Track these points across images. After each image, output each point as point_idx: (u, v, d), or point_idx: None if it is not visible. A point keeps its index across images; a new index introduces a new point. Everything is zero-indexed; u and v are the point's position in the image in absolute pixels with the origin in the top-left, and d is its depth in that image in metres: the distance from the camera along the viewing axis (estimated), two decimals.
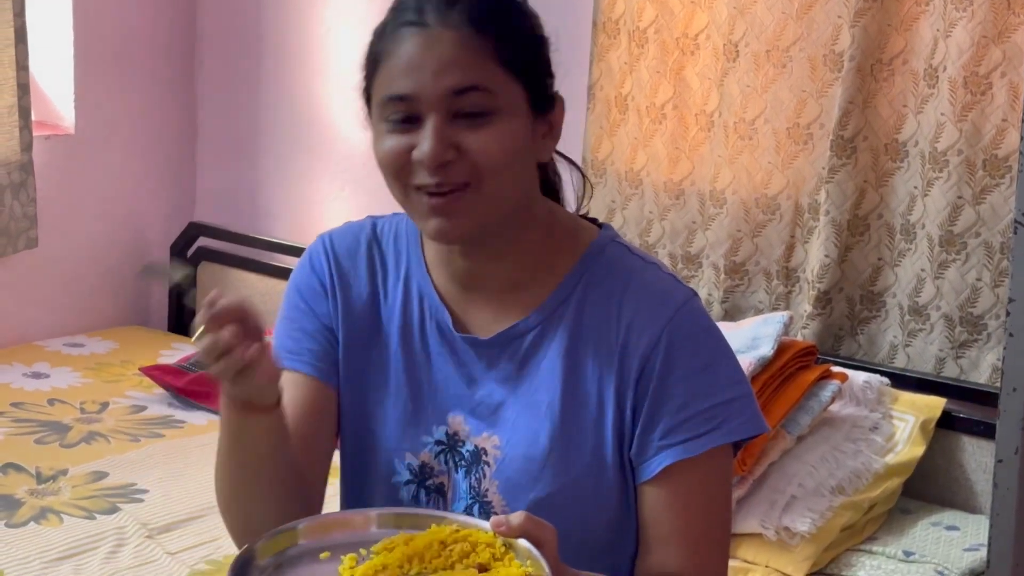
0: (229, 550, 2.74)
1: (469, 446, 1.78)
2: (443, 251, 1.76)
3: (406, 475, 1.81)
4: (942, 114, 3.03)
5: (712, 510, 1.74)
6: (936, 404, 3.01)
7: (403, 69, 1.64)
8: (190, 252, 4.12)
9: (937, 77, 3.03)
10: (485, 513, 1.73)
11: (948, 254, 3.05)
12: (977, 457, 3.01)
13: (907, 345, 3.11)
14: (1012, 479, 2.32)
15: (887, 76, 3.10)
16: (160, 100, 4.12)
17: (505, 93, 1.64)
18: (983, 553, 2.67)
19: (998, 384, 2.75)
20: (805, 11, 3.15)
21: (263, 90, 4.05)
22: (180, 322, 4.13)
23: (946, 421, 3.02)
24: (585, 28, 3.46)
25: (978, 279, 3.04)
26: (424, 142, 1.61)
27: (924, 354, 3.10)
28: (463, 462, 1.79)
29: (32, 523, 2.83)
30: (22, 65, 3.71)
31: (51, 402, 3.49)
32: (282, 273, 3.92)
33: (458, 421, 1.79)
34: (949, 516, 2.96)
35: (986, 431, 2.95)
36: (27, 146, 3.75)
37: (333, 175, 3.93)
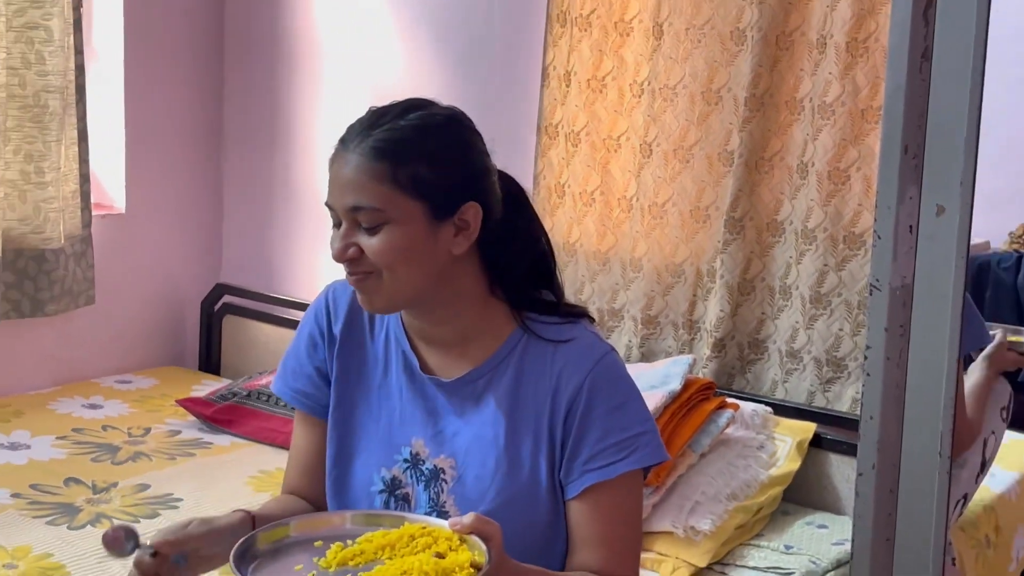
0: None
1: (429, 465, 1.82)
2: (408, 313, 1.83)
3: (380, 485, 1.84)
4: (811, 200, 3.05)
5: (625, 520, 1.78)
6: (808, 428, 3.03)
7: (329, 182, 1.72)
8: (216, 307, 4.10)
9: (807, 171, 3.06)
10: (444, 519, 1.72)
11: (816, 310, 3.07)
12: (841, 470, 3.03)
13: (785, 381, 3.13)
14: (869, 488, 2.32)
15: (768, 169, 3.12)
16: (192, 186, 4.13)
17: (396, 208, 1.68)
18: (847, 546, 2.67)
19: (858, 412, 2.77)
20: (704, 118, 3.18)
21: (276, 175, 4.07)
22: (208, 363, 4.11)
23: (816, 442, 3.04)
24: (531, 132, 3.47)
25: (840, 329, 3.05)
26: (334, 242, 1.71)
27: (798, 388, 3.11)
28: (423, 478, 1.82)
29: (88, 526, 2.79)
30: (84, 159, 3.70)
31: (104, 428, 3.45)
32: (292, 324, 3.91)
33: (420, 444, 1.82)
34: (820, 517, 2.97)
35: (848, 449, 2.97)
36: (87, 223, 3.74)
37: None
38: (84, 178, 3.71)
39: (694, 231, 3.23)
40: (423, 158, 1.69)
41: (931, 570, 2.35)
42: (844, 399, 3.06)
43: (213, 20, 4.08)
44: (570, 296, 3.39)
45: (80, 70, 3.68)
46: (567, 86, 3.37)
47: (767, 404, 3.08)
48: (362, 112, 3.72)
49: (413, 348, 1.84)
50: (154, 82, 3.96)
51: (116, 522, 2.77)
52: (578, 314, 1.86)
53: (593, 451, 1.75)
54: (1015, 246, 3.89)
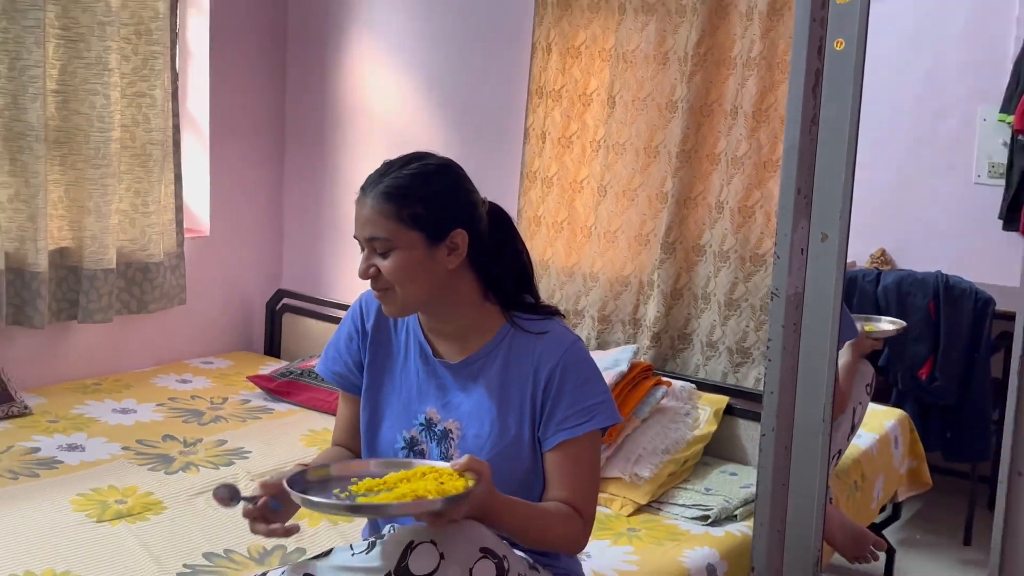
0: None
1: (440, 427, 1.85)
2: (421, 313, 1.87)
3: (402, 443, 1.87)
4: (726, 229, 3.04)
5: (587, 467, 1.81)
6: (723, 400, 3.01)
7: (355, 218, 1.79)
8: (277, 307, 4.06)
9: (723, 207, 3.05)
10: None
11: (729, 312, 3.06)
12: (747, 431, 3.01)
13: (705, 365, 3.12)
14: (771, 445, 2.32)
15: (693, 207, 3.11)
16: (259, 215, 4.11)
17: (400, 238, 1.73)
18: (752, 489, 2.66)
19: (760, 388, 2.76)
20: (646, 167, 3.16)
21: (323, 206, 4.04)
22: (271, 349, 4.06)
23: (729, 410, 3.02)
24: (515, 177, 3.45)
25: (747, 326, 3.04)
26: (360, 264, 1.79)
27: (715, 370, 3.10)
28: (435, 437, 1.85)
29: (180, 472, 2.76)
30: (178, 195, 3.68)
31: (192, 397, 3.42)
32: (335, 320, 3.89)
33: (433, 411, 1.86)
34: (731, 467, 2.95)
35: (753, 416, 2.96)
36: (180, 243, 3.71)
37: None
38: (178, 209, 3.68)
39: (637, 252, 3.21)
40: (419, 200, 1.74)
41: (815, 507, 2.35)
42: (749, 379, 3.04)
43: (277, 87, 4.06)
44: (544, 300, 3.38)
45: (176, 129, 3.65)
46: (543, 143, 3.35)
47: (692, 382, 3.06)
48: (384, 152, 3.71)
49: (426, 339, 1.88)
50: (231, 138, 3.93)
51: (219, 483, 2.75)
52: (553, 312, 1.89)
53: (564, 415, 1.78)
54: (874, 264, 3.91)
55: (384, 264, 1.75)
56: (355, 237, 1.78)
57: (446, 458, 1.81)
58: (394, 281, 1.75)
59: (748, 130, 2.97)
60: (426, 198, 1.75)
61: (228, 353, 3.99)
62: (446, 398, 1.86)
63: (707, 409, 2.97)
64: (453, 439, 1.84)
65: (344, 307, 3.87)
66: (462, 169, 1.85)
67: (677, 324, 3.16)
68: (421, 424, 1.87)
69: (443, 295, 1.80)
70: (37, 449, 2.85)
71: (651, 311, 3.15)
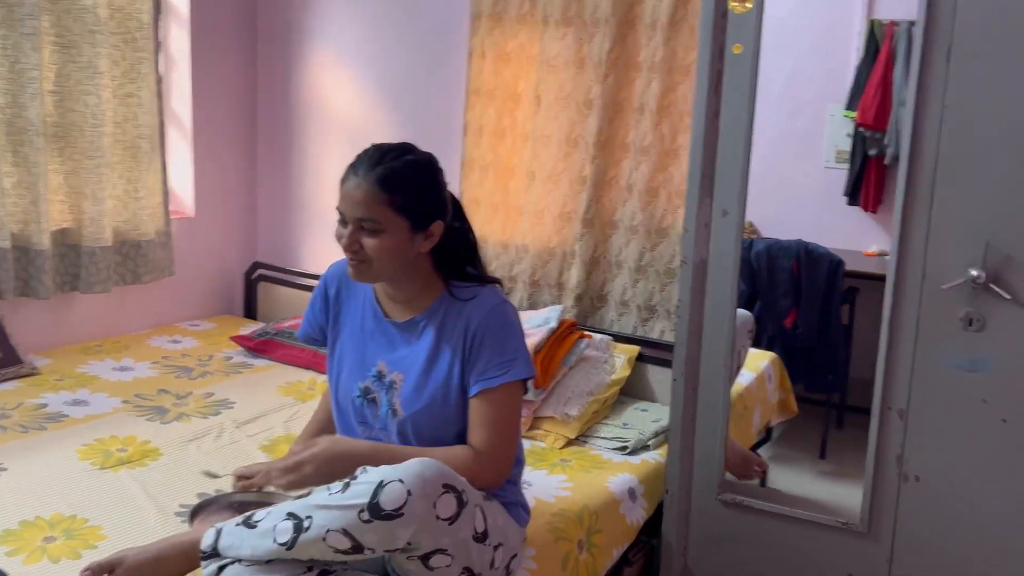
0: (277, 434, 2.52)
1: (388, 379, 1.75)
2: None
3: (357, 392, 1.77)
4: (635, 207, 2.92)
5: (503, 414, 1.67)
6: (634, 350, 2.90)
7: (342, 197, 1.62)
8: (253, 276, 3.84)
9: (632, 189, 2.93)
10: (394, 413, 1.73)
11: (638, 276, 2.95)
12: (654, 374, 2.91)
13: (618, 320, 3.01)
14: (680, 388, 2.22)
15: (606, 189, 2.98)
16: (236, 198, 3.84)
17: (388, 222, 1.60)
18: (662, 422, 2.58)
19: (664, 339, 2.66)
20: (568, 155, 3.03)
21: (292, 190, 3.80)
22: (249, 313, 3.85)
23: (640, 358, 2.92)
24: (457, 165, 3.29)
25: (652, 288, 2.94)
26: (344, 238, 1.64)
27: (627, 325, 3.00)
28: (384, 387, 1.75)
29: (174, 422, 2.56)
30: (164, 182, 3.43)
31: (183, 356, 3.20)
32: (305, 288, 3.69)
33: (383, 365, 1.75)
34: (642, 404, 2.84)
35: (659, 362, 2.87)
36: (168, 223, 3.47)
37: (329, 232, 3.71)
38: (165, 194, 3.43)
39: (561, 227, 3.08)
40: (411, 191, 1.62)
41: (719, 439, 2.27)
42: (655, 331, 2.95)
43: (249, 88, 3.81)
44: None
45: (162, 125, 3.40)
46: (480, 136, 3.19)
47: (609, 335, 2.95)
48: (342, 143, 3.43)
49: (378, 302, 1.78)
50: (211, 132, 3.68)
51: (193, 418, 2.55)
52: (491, 281, 1.77)
53: (483, 368, 1.67)
54: (748, 235, 3.85)
55: (369, 242, 1.63)
56: (339, 210, 1.64)
57: (391, 406, 1.74)
58: (374, 257, 1.64)
59: (653, 124, 2.85)
60: (417, 190, 1.63)
61: (212, 316, 3.76)
62: (393, 353, 1.76)
63: (622, 357, 2.86)
64: (397, 389, 1.74)
65: (310, 276, 3.68)
66: (440, 166, 1.74)
67: (595, 287, 3.05)
68: (373, 376, 1.77)
69: (405, 270, 1.70)
70: (45, 405, 2.62)
71: (573, 276, 3.03)
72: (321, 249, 3.71)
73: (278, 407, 2.74)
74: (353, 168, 1.63)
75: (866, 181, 3.59)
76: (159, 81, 3.36)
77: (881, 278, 2.00)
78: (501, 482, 1.66)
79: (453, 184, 3.35)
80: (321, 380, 3.02)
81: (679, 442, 2.25)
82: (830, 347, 3.40)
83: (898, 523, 2.03)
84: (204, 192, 3.69)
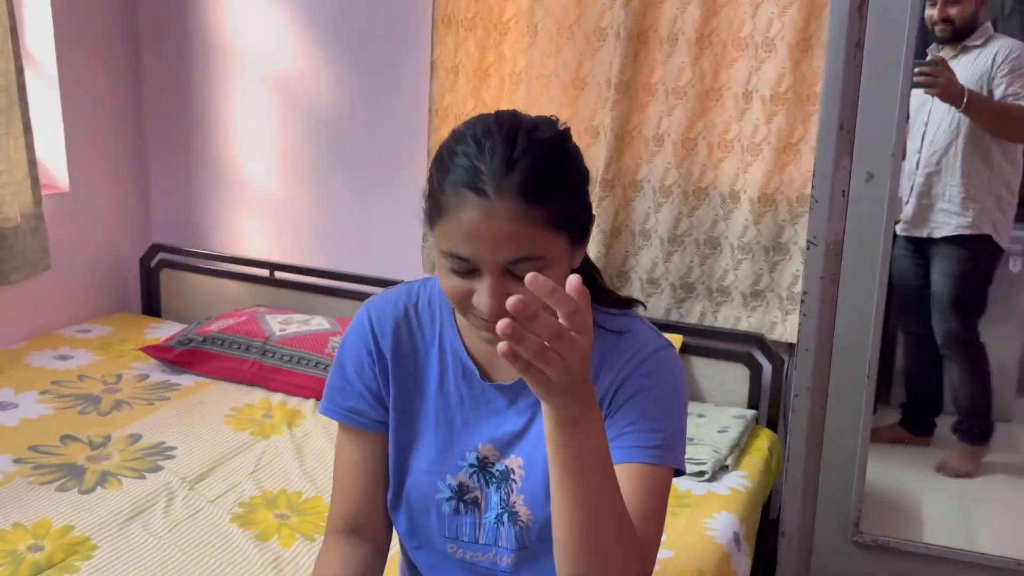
0: (252, 492, 1.92)
1: (500, 466, 1.14)
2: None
3: (447, 492, 1.16)
4: (668, 162, 2.42)
5: (663, 505, 1.07)
6: (676, 340, 2.42)
7: (464, 235, 0.95)
8: (153, 263, 3.11)
9: (663, 140, 2.41)
10: (513, 520, 1.13)
11: (672, 248, 2.46)
12: (704, 370, 2.44)
13: (645, 301, 2.52)
14: (805, 405, 1.75)
15: (630, 140, 2.45)
16: (122, 163, 3.09)
17: (552, 250, 0.97)
18: (732, 432, 2.11)
19: (717, 324, 2.20)
20: (574, 99, 2.47)
21: (194, 149, 3.08)
22: (150, 309, 3.13)
23: (682, 349, 2.44)
24: (422, 113, 2.68)
25: (690, 262, 2.46)
26: (483, 296, 0.97)
27: (657, 307, 2.51)
28: (494, 479, 1.15)
29: (99, 488, 1.90)
30: (30, 148, 2.66)
31: (80, 378, 2.49)
32: (221, 274, 3.00)
33: (488, 448, 1.14)
34: (694, 408, 2.35)
35: (708, 353, 2.40)
36: (38, 202, 2.71)
37: (248, 205, 3.02)
38: (32, 164, 2.66)
39: None
40: (567, 191, 0.99)
41: (856, 470, 1.83)
42: (693, 313, 2.47)
43: (129, 21, 3.03)
44: None
45: (20, 72, 2.60)
46: (455, 76, 2.58)
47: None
48: (262, 91, 2.69)
49: (470, 356, 1.15)
50: (83, 78, 2.89)
51: (124, 480, 1.89)
52: (630, 303, 1.16)
53: (639, 431, 1.05)
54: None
55: (525, 292, 0.97)
56: (457, 256, 0.97)
57: (507, 505, 1.13)
58: None
59: (691, 57, 2.33)
60: (572, 189, 1.01)
61: (104, 317, 3.02)
62: (503, 428, 1.14)
63: None
64: (515, 481, 1.13)
65: (225, 258, 2.99)
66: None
67: (615, 262, 2.53)
68: (471, 466, 1.15)
69: None
70: None
71: (591, 251, 2.50)
72: (237, 222, 3.02)
73: (235, 449, 2.11)
74: (476, 190, 0.95)
75: None
76: (11, 12, 2.57)
77: None
78: None
79: (418, 138, 2.78)
80: (277, 402, 2.39)
81: (800, 474, 1.79)
82: None
83: None
84: (80, 159, 2.92)
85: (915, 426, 2.70)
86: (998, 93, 2.27)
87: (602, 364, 1.07)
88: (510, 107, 2.51)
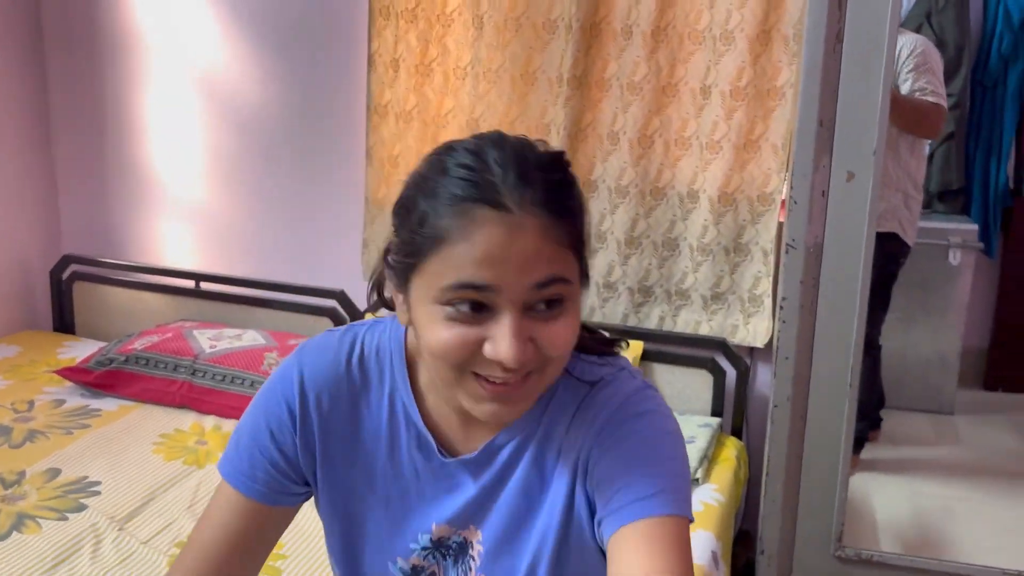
0: (190, 529, 1.77)
1: (457, 538, 0.96)
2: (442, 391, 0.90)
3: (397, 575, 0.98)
4: (624, 161, 2.34)
5: (686, 561, 0.86)
6: (637, 346, 2.35)
7: (482, 259, 0.78)
8: (65, 275, 2.91)
9: (618, 138, 2.34)
10: None
11: (630, 250, 2.39)
12: (667, 377, 2.38)
13: (601, 307, 2.44)
14: (785, 416, 1.70)
15: (584, 138, 2.37)
16: (27, 167, 2.88)
17: (574, 275, 0.83)
18: (699, 442, 2.05)
19: (676, 329, 2.13)
20: (522, 97, 2.38)
21: (107, 152, 2.88)
22: (62, 326, 2.92)
23: (644, 355, 2.37)
24: (359, 111, 2.55)
25: (648, 265, 2.39)
26: (503, 342, 0.79)
27: (614, 312, 2.43)
28: (451, 552, 0.97)
29: (15, 533, 1.72)
30: None
31: None
32: (140, 286, 2.82)
33: (443, 528, 0.96)
34: None
35: (670, 360, 2.34)
36: None
37: (170, 211, 2.84)
38: None
39: None
40: (581, 210, 0.84)
41: (838, 483, 1.78)
42: (652, 318, 2.41)
43: (31, 15, 2.81)
44: None
45: None
46: (395, 71, 2.46)
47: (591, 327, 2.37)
48: (180, 86, 2.53)
49: (427, 422, 0.95)
50: None
51: (43, 523, 1.72)
52: (612, 344, 0.98)
53: (632, 489, 0.86)
54: None
55: (547, 331, 0.81)
56: (480, 287, 0.79)
57: None
58: (556, 355, 0.83)
59: (647, 51, 2.26)
60: (583, 204, 0.86)
61: (11, 336, 2.80)
62: (462, 500, 0.97)
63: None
64: (473, 558, 0.97)
65: (143, 268, 2.81)
66: None
67: None
68: (424, 548, 0.98)
69: None
70: None
71: None
72: (158, 230, 2.84)
73: (167, 481, 1.95)
74: (486, 185, 0.80)
75: None
76: None
77: None
78: None
79: (356, 136, 2.64)
80: (211, 426, 2.23)
81: (781, 486, 1.73)
82: None
83: None
84: None
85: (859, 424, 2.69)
86: (904, 89, 2.26)
87: (573, 421, 0.91)
88: (456, 103, 2.41)
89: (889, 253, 2.37)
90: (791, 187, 1.60)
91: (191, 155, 2.77)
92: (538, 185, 0.80)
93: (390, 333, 0.96)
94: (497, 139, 0.83)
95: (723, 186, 2.26)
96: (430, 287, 0.80)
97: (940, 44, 2.74)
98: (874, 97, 1.55)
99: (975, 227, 2.77)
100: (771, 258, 2.25)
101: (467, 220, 0.78)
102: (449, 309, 0.79)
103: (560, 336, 0.81)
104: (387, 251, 0.87)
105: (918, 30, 2.71)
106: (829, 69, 1.56)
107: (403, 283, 0.83)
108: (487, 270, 0.78)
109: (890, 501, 2.46)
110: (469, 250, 0.78)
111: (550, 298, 0.80)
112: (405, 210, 0.83)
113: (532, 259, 0.78)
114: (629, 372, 0.94)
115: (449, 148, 0.83)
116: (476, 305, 0.79)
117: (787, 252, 1.63)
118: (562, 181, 0.82)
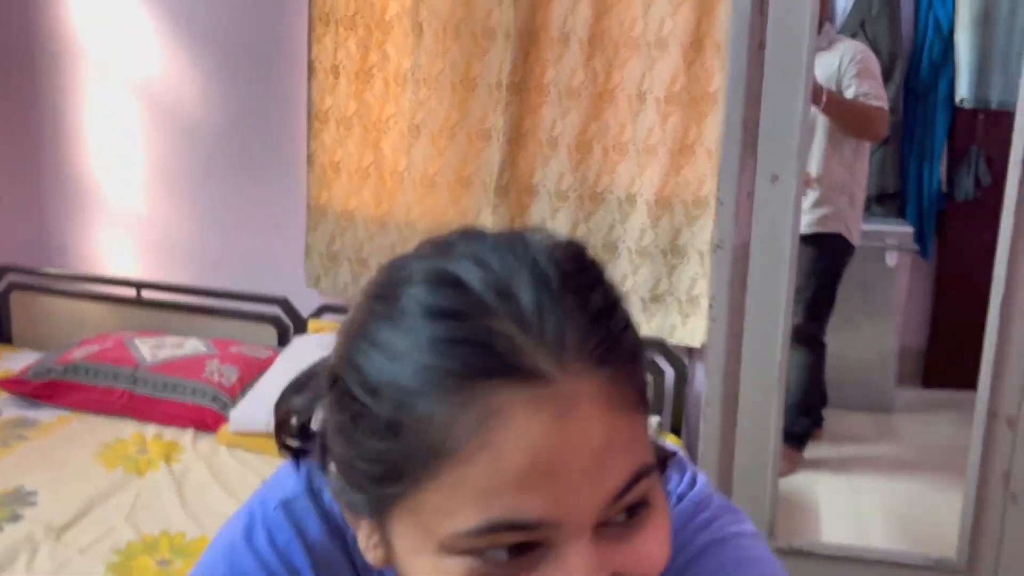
0: (129, 536, 1.77)
1: None
2: None
3: None
4: (563, 166, 2.39)
5: None
6: None
7: (524, 476, 0.45)
8: (1, 287, 2.87)
9: (557, 143, 2.38)
10: None
11: None
12: None
13: None
14: (716, 415, 1.75)
15: (524, 144, 2.41)
16: None
17: (651, 452, 0.51)
18: None
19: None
20: (463, 101, 2.41)
21: (44, 162, 2.86)
22: (0, 335, 2.89)
23: None
24: (300, 117, 2.56)
25: None
26: None
27: None
28: None
29: None
30: None
31: None
32: (80, 295, 2.80)
33: None
34: None
35: None
36: None
37: (108, 219, 2.83)
38: None
39: (459, 197, 2.47)
40: (632, 336, 0.53)
41: (768, 479, 1.83)
42: None
43: None
44: (351, 255, 2.57)
45: None
46: (335, 77, 2.48)
47: None
48: (120, 92, 2.53)
49: None
50: None
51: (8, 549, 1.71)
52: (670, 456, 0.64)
53: None
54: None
55: (631, 554, 0.49)
56: (531, 525, 0.47)
57: None
58: (651, 570, 0.51)
59: (583, 58, 2.31)
60: (628, 320, 0.54)
61: None
62: None
63: None
64: None
65: (83, 277, 2.79)
66: None
67: None
68: None
69: None
70: None
71: None
72: (97, 238, 2.83)
73: (107, 490, 1.95)
74: (499, 361, 0.47)
75: None
76: None
77: None
78: None
79: (298, 143, 2.66)
80: (152, 435, 2.23)
81: (715, 482, 1.78)
82: None
83: (1002, 554, 1.72)
84: None
85: (795, 426, 2.76)
86: (849, 94, 2.34)
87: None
88: (396, 109, 2.44)
89: (835, 253, 2.44)
90: (717, 189, 1.65)
91: (131, 163, 2.76)
92: (577, 316, 0.49)
93: (308, 521, 0.63)
94: (498, 244, 0.52)
95: (659, 190, 2.31)
96: (432, 531, 0.49)
97: (874, 51, 2.83)
98: (796, 101, 1.61)
99: (911, 229, 2.85)
100: (707, 259, 2.31)
101: (480, 412, 0.46)
102: (473, 561, 0.48)
103: (655, 556, 0.51)
104: (323, 434, 0.55)
105: (853, 38, 2.80)
106: (752, 75, 1.62)
107: (373, 512, 0.52)
108: (535, 495, 0.46)
109: (832, 497, 2.53)
110: (496, 466, 0.46)
111: (633, 503, 0.50)
112: (365, 388, 0.50)
113: (600, 453, 0.47)
114: (690, 481, 0.68)
115: (409, 277, 0.51)
116: (519, 548, 0.48)
117: (715, 252, 1.68)
118: (605, 295, 0.52)
